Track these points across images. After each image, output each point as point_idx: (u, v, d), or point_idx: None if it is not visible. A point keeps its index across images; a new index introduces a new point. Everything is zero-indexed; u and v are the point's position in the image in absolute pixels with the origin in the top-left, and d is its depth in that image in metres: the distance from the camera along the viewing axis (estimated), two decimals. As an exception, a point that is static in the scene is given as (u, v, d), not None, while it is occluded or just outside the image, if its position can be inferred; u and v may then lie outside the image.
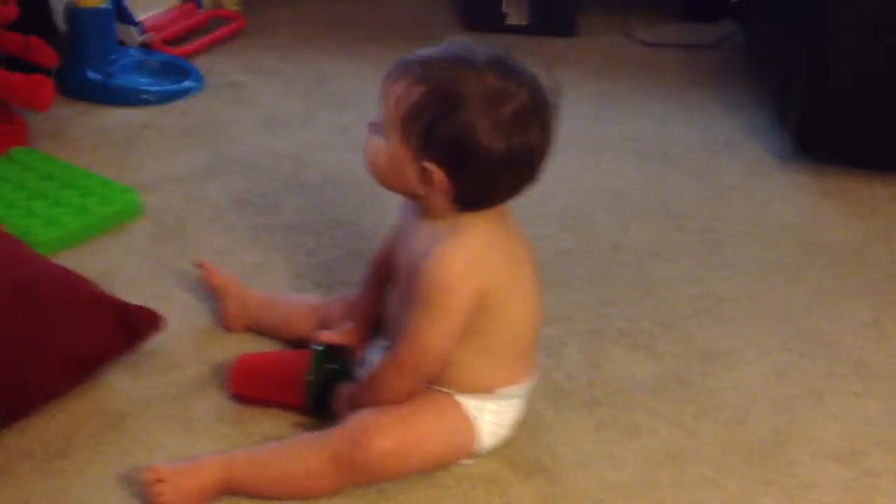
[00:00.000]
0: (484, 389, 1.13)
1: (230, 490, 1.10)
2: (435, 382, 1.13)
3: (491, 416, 1.14)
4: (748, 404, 1.29)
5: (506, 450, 1.18)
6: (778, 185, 1.83)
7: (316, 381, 1.19)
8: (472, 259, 1.07)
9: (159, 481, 1.07)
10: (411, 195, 1.11)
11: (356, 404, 1.14)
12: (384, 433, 1.08)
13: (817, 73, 1.79)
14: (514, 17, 2.43)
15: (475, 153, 1.04)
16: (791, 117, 1.88)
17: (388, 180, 1.11)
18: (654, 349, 1.38)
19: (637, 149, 1.94)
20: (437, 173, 1.05)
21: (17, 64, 1.76)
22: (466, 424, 1.13)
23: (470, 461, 1.16)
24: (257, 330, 1.35)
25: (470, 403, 1.13)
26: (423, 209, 1.12)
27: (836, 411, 1.29)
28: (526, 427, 1.21)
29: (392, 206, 1.21)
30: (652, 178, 1.84)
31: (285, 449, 1.12)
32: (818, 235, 1.68)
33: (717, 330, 1.43)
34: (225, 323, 1.36)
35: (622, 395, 1.29)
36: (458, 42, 1.09)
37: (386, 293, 1.21)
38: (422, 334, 1.08)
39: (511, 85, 1.05)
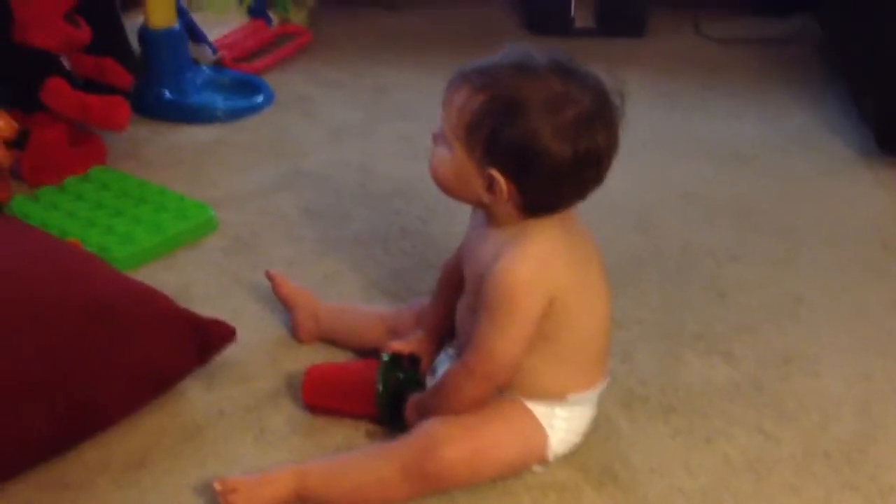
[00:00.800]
0: (554, 396, 1.12)
1: (303, 500, 1.10)
2: (505, 390, 1.12)
3: (561, 423, 1.13)
4: (830, 408, 1.25)
5: (577, 457, 1.16)
6: (858, 183, 1.77)
7: (384, 391, 1.19)
8: (539, 266, 1.06)
9: (232, 492, 1.08)
10: (477, 204, 1.11)
11: (426, 413, 1.13)
12: (454, 442, 1.08)
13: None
14: (582, 20, 2.41)
15: (539, 159, 1.03)
16: (871, 112, 1.82)
17: (454, 190, 1.11)
18: (731, 353, 1.35)
19: (710, 148, 1.90)
20: (502, 181, 1.05)
21: (94, 86, 1.81)
22: (537, 431, 1.12)
23: (541, 468, 1.14)
24: (329, 340, 1.36)
25: (540, 410, 1.12)
26: (489, 217, 1.11)
27: (924, 414, 1.24)
28: (598, 434, 1.19)
29: (459, 213, 1.21)
30: (726, 178, 1.80)
31: (357, 460, 1.13)
32: (902, 233, 1.62)
33: (796, 333, 1.39)
34: (296, 334, 1.37)
35: (698, 400, 1.27)
36: (517, 48, 1.08)
37: (456, 302, 1.21)
38: (491, 342, 1.07)
39: (573, 88, 1.04)
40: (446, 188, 1.11)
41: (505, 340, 1.07)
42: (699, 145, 1.91)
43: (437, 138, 1.10)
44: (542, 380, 1.11)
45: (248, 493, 1.09)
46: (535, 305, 1.06)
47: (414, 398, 1.17)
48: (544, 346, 1.09)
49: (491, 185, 1.06)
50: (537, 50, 1.07)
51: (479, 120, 1.04)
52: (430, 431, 1.10)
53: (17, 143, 1.71)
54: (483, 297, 1.07)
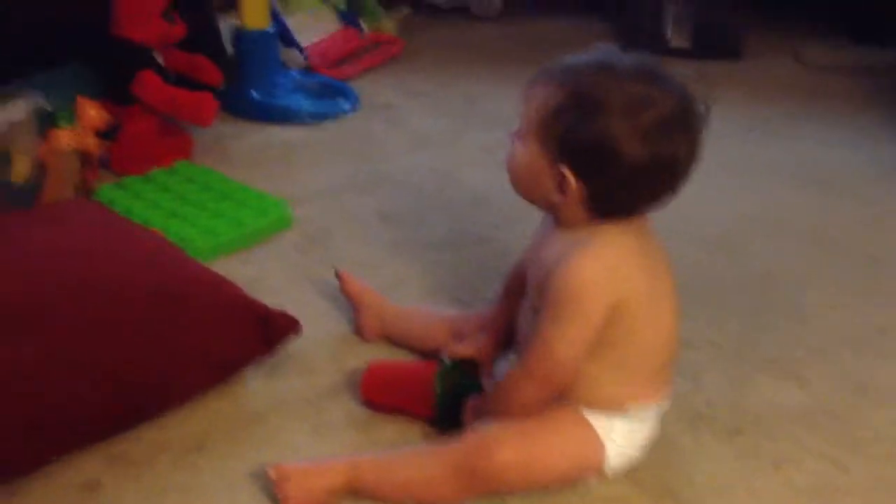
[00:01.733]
0: (614, 406, 1.09)
1: (354, 492, 1.10)
2: (564, 397, 1.10)
3: (620, 436, 1.10)
4: (905, 441, 1.20)
5: (635, 472, 1.13)
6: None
7: (443, 393, 1.18)
8: (605, 269, 1.04)
9: (286, 480, 1.09)
10: (547, 203, 1.09)
11: (483, 415, 1.12)
12: (507, 445, 1.06)
13: None
14: (678, 40, 2.37)
15: (612, 159, 1.01)
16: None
17: (525, 187, 1.09)
18: (804, 378, 1.30)
19: (799, 173, 1.85)
20: (573, 179, 1.03)
21: (185, 82, 1.85)
22: (594, 442, 1.09)
23: (596, 481, 1.12)
24: (392, 341, 1.36)
25: (599, 421, 1.09)
26: (558, 219, 1.10)
27: None
28: (658, 450, 1.16)
29: (533, 224, 1.19)
30: (813, 204, 1.75)
31: (410, 456, 1.12)
32: None
33: (875, 362, 1.34)
34: (360, 333, 1.37)
35: (766, 424, 1.22)
36: (604, 48, 1.07)
37: (519, 308, 1.20)
38: (551, 344, 1.05)
39: (655, 92, 1.01)
40: (518, 184, 1.10)
41: (565, 342, 1.05)
42: (788, 170, 1.86)
43: (516, 135, 1.09)
44: (602, 388, 1.09)
45: (301, 481, 1.09)
46: (599, 308, 1.04)
47: (473, 401, 1.16)
48: (606, 353, 1.07)
49: (561, 184, 1.04)
50: (624, 52, 1.06)
51: (555, 116, 1.03)
52: (484, 433, 1.08)
53: (108, 134, 1.76)
54: (546, 297, 1.05)
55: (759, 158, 1.91)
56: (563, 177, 1.03)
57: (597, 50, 1.07)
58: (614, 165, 1.01)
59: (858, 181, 1.82)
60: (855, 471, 1.15)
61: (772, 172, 1.86)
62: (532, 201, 1.11)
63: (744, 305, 1.46)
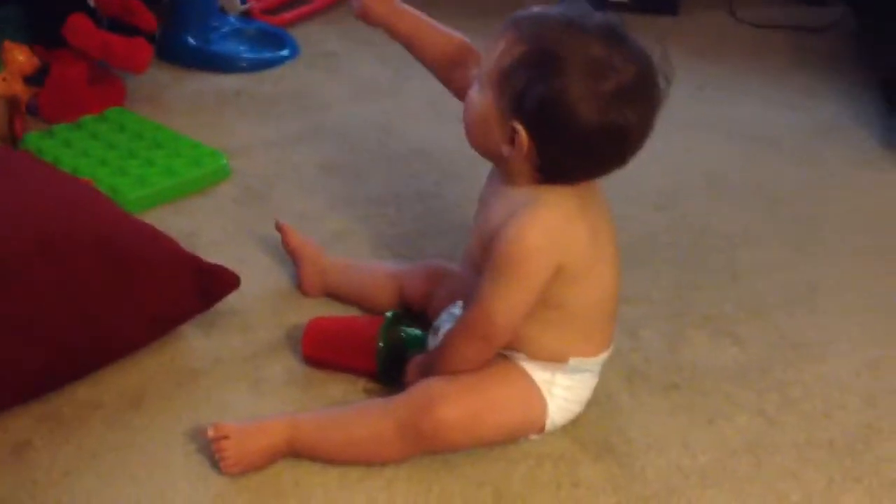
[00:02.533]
0: (556, 358, 1.10)
1: (294, 451, 1.09)
2: (506, 348, 1.10)
3: (561, 391, 1.11)
4: (836, 397, 1.23)
5: (576, 429, 1.15)
6: (882, 174, 1.74)
7: (385, 348, 1.18)
8: (549, 234, 1.04)
9: (224, 438, 1.08)
10: (496, 156, 1.07)
11: (426, 373, 1.12)
12: (450, 402, 1.07)
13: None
14: (615, -6, 2.37)
15: (564, 121, 1.00)
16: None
17: (476, 135, 1.08)
18: (739, 336, 1.33)
19: (737, 131, 1.87)
20: (524, 135, 1.02)
21: (119, 27, 1.80)
22: (536, 398, 1.10)
23: (538, 437, 1.13)
24: (335, 296, 1.35)
25: (540, 375, 1.10)
26: (506, 174, 1.08)
27: (931, 410, 1.22)
28: (598, 407, 1.18)
29: (475, 181, 1.18)
30: (750, 162, 1.77)
31: (351, 414, 1.12)
32: (922, 226, 1.59)
33: (808, 319, 1.37)
34: (302, 287, 1.36)
35: (701, 380, 1.25)
36: (575, 3, 1.04)
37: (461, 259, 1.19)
38: (491, 304, 1.05)
39: (618, 59, 1.00)
40: (470, 131, 1.08)
41: (506, 303, 1.05)
42: (727, 128, 1.88)
43: (476, 79, 1.07)
44: (544, 341, 1.09)
45: (239, 440, 1.08)
46: (542, 273, 1.04)
47: (416, 358, 1.16)
48: (548, 312, 1.07)
49: (513, 139, 1.03)
50: (595, 10, 1.03)
51: (515, 69, 1.01)
52: (427, 390, 1.08)
53: (36, 78, 1.70)
54: (490, 258, 1.05)
55: (697, 116, 1.92)
56: (515, 132, 1.02)
57: (569, 4, 1.04)
58: (565, 127, 1.00)
59: (797, 140, 1.84)
60: (786, 426, 1.18)
61: (711, 129, 1.87)
62: (481, 152, 1.09)
63: (680, 262, 1.48)
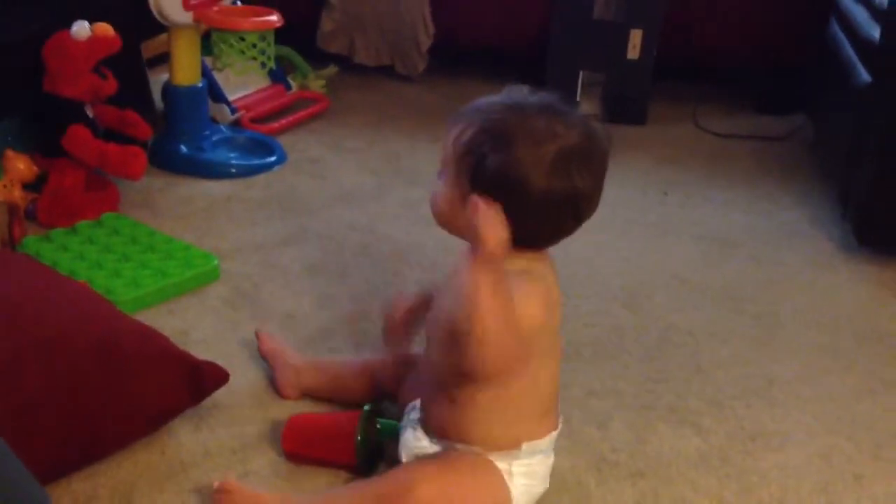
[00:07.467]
0: (510, 446, 1.16)
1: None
2: (465, 441, 1.17)
3: (521, 478, 1.17)
4: (790, 484, 1.30)
5: (544, 514, 1.21)
6: (838, 275, 1.84)
7: (363, 441, 1.24)
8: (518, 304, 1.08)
9: (226, 493, 1.16)
10: (466, 234, 1.12)
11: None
12: (426, 482, 1.13)
13: (878, 167, 1.82)
14: (587, 107, 2.51)
15: (518, 189, 1.07)
16: (852, 210, 1.90)
17: (445, 219, 1.16)
18: (701, 426, 1.40)
19: (701, 234, 1.98)
20: None
21: (115, 136, 1.89)
22: (500, 484, 1.16)
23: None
24: (311, 395, 1.41)
25: (500, 464, 1.16)
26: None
27: (880, 496, 1.28)
28: (568, 494, 1.24)
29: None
30: (714, 263, 1.87)
31: (337, 496, 1.19)
32: (875, 324, 1.68)
33: (766, 411, 1.44)
34: (279, 391, 1.42)
35: (666, 469, 1.31)
36: (515, 89, 1.15)
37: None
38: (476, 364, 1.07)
39: (559, 126, 1.09)
40: (439, 217, 1.17)
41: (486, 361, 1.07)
42: (692, 231, 1.99)
43: (438, 175, 1.16)
44: (495, 430, 1.16)
45: (237, 500, 1.17)
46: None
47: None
48: (497, 393, 1.13)
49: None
50: (533, 92, 1.14)
51: (468, 149, 1.11)
52: (405, 469, 1.16)
53: (35, 185, 1.79)
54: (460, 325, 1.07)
55: (663, 218, 2.03)
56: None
57: (508, 91, 1.15)
58: (521, 194, 1.08)
59: (757, 243, 1.95)
60: (744, 512, 1.25)
61: (675, 232, 1.98)
62: (452, 231, 1.17)
63: (646, 357, 1.56)
